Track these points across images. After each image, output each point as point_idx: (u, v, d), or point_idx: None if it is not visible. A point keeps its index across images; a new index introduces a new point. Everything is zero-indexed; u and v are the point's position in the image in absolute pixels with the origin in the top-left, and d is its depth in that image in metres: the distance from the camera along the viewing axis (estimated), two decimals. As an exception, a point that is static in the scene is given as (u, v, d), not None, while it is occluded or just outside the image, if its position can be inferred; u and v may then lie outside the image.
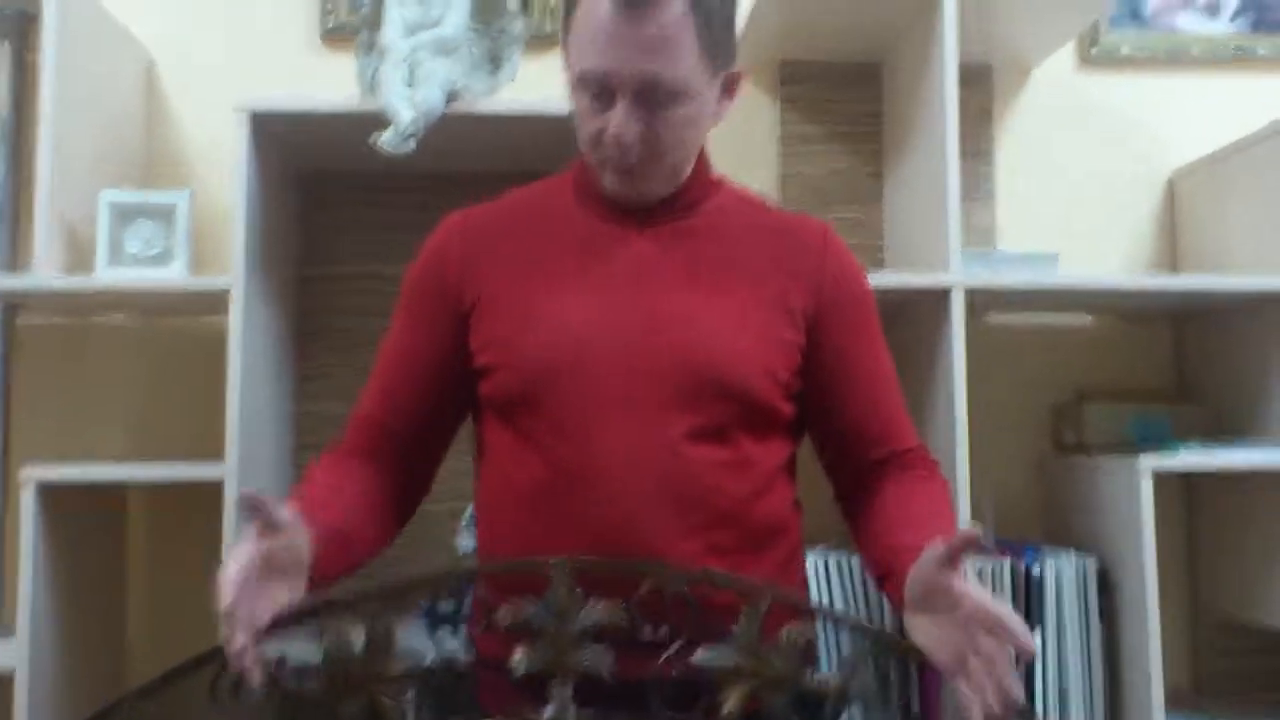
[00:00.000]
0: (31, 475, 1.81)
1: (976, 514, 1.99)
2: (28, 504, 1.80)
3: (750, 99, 2.32)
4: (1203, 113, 2.38)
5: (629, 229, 1.45)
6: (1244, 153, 2.12)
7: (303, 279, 2.23)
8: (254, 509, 1.20)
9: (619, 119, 1.36)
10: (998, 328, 2.28)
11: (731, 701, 1.24)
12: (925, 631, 1.24)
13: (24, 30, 2.10)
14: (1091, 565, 1.97)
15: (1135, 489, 1.90)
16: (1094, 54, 2.36)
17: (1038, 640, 1.94)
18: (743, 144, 2.29)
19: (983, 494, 2.04)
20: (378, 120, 1.85)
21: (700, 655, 1.25)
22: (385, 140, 1.80)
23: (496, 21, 1.99)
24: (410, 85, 1.85)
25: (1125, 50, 2.36)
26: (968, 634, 1.19)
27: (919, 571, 1.23)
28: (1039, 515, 2.28)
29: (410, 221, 2.22)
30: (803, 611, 1.30)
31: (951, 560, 1.20)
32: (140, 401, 2.21)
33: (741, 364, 1.38)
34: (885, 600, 1.51)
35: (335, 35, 2.27)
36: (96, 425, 2.20)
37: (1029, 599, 1.95)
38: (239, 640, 1.19)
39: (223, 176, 2.19)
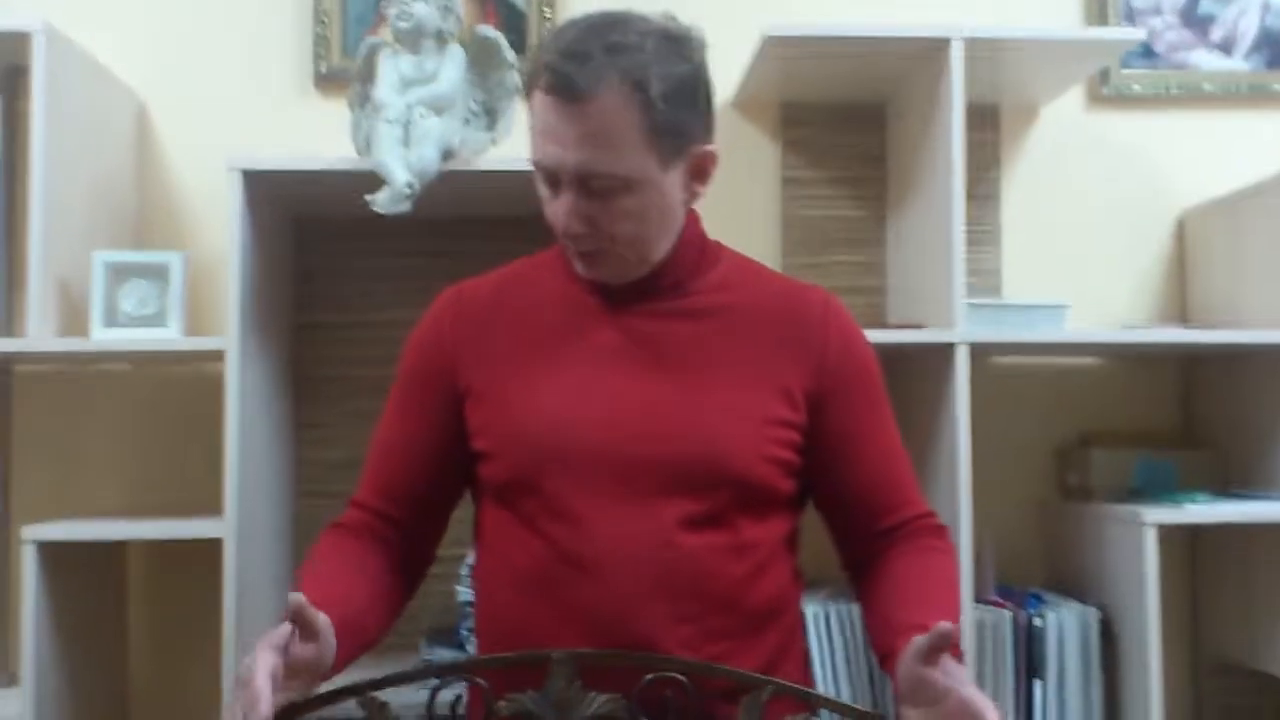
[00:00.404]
0: (32, 535, 1.82)
1: (978, 560, 1.98)
2: (29, 562, 1.81)
3: (751, 141, 2.30)
4: (1215, 151, 2.36)
5: (623, 306, 1.43)
6: (1257, 197, 2.09)
7: (297, 327, 2.22)
8: (300, 620, 1.21)
9: (563, 209, 1.35)
10: (1003, 368, 2.26)
11: (732, 795, 1.23)
12: None
13: (14, 83, 2.08)
14: (1093, 616, 1.97)
15: (1140, 542, 1.90)
16: (1105, 93, 2.34)
17: (1039, 691, 1.93)
18: (744, 187, 2.28)
19: (984, 539, 2.03)
20: (372, 176, 1.84)
21: (701, 748, 1.24)
22: (380, 202, 1.79)
23: (492, 74, 1.98)
24: (405, 145, 1.83)
25: (1137, 88, 2.34)
26: None
27: (903, 666, 1.22)
28: (1042, 560, 2.27)
29: (405, 268, 2.22)
30: (802, 699, 1.28)
31: (930, 656, 1.19)
32: (138, 448, 2.20)
33: (737, 449, 1.36)
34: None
35: (328, 81, 2.26)
36: (95, 473, 2.19)
37: (1030, 650, 1.94)
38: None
39: (216, 225, 2.18)
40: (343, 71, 2.22)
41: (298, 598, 1.21)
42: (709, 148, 1.40)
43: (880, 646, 1.36)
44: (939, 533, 1.48)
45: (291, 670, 1.21)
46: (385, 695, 1.26)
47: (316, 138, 2.20)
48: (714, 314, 1.44)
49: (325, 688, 1.27)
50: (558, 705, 1.24)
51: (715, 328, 1.43)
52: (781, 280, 1.53)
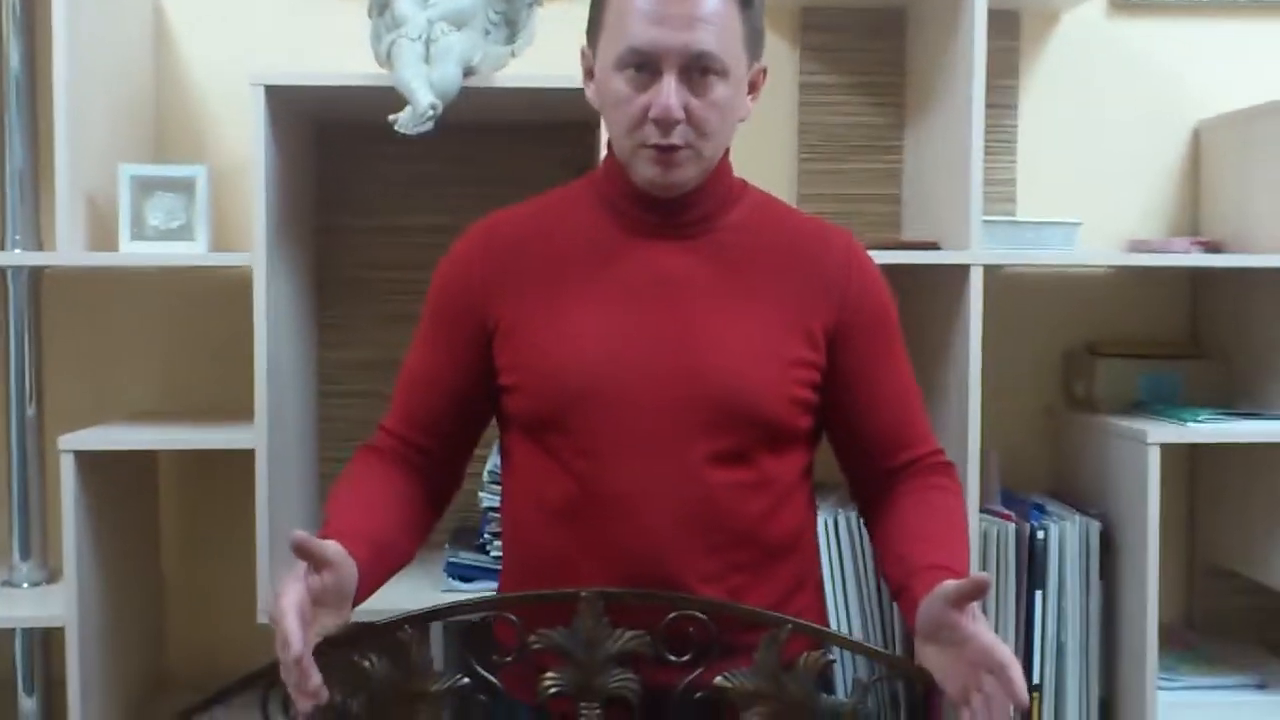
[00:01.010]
0: (68, 444, 1.87)
1: (985, 470, 2.04)
2: (67, 471, 1.87)
3: (769, 46, 2.22)
4: (1234, 61, 2.35)
5: (652, 241, 1.46)
6: (1272, 115, 2.09)
7: (318, 230, 2.24)
8: (306, 554, 1.25)
9: (666, 92, 1.37)
10: (1013, 277, 2.28)
11: (750, 724, 1.31)
12: (933, 661, 1.29)
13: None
14: (1094, 529, 2.04)
15: (1142, 460, 1.95)
16: (1125, -1, 2.32)
17: (1039, 600, 2.02)
18: (761, 92, 2.26)
19: (991, 448, 2.08)
20: (395, 91, 1.84)
21: (722, 679, 1.31)
22: (403, 121, 1.80)
23: (513, -18, 1.96)
24: (427, 61, 1.83)
25: (1156, -6, 2.32)
26: (972, 672, 1.24)
27: (929, 607, 1.28)
28: (1047, 466, 2.33)
29: (424, 174, 2.23)
30: (819, 638, 1.35)
31: (960, 601, 1.25)
32: (166, 350, 2.25)
33: (763, 391, 1.41)
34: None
35: (344, -17, 2.24)
36: (124, 376, 2.24)
37: (1032, 561, 2.02)
38: (299, 675, 1.22)
39: (235, 131, 2.20)
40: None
41: (295, 535, 1.25)
42: (763, 64, 1.48)
43: (895, 582, 1.42)
44: (947, 470, 1.54)
45: (317, 600, 1.27)
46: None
47: (333, 42, 2.19)
48: (739, 251, 1.47)
49: (365, 616, 1.33)
50: (587, 641, 1.32)
51: (741, 265, 1.46)
52: (804, 220, 1.55)
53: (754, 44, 1.44)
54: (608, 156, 1.51)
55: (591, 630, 1.32)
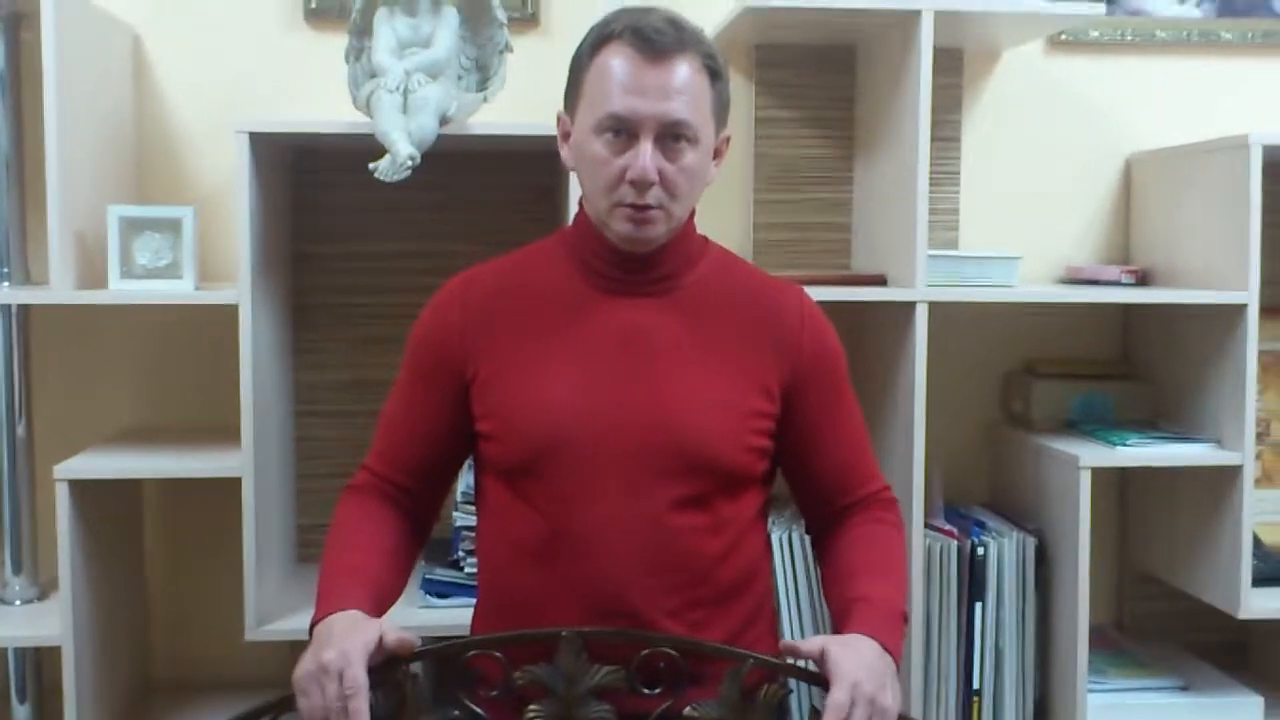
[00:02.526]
0: (63, 474, 1.98)
1: (929, 488, 2.18)
2: (61, 498, 1.97)
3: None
4: (1165, 96, 2.49)
5: (620, 298, 1.57)
6: (1200, 156, 2.23)
7: (295, 257, 2.33)
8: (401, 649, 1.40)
9: (644, 155, 1.48)
10: (958, 301, 2.41)
11: (716, 749, 1.43)
12: None
13: (13, 31, 2.13)
14: (1030, 544, 2.18)
15: (1074, 482, 2.10)
16: (1063, 38, 2.45)
17: (978, 611, 2.16)
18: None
19: (935, 468, 2.22)
20: (373, 137, 1.93)
21: (690, 710, 1.44)
22: (382, 170, 1.89)
23: (484, 31, 2.06)
24: (404, 111, 1.92)
25: (1094, 34, 2.45)
26: None
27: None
28: (986, 479, 2.48)
29: (398, 200, 2.29)
30: (779, 671, 1.48)
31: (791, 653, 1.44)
32: (152, 372, 2.33)
33: (722, 442, 1.53)
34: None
35: (319, 15, 2.31)
36: (111, 397, 2.32)
37: (973, 576, 2.16)
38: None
39: (216, 165, 2.28)
40: (333, 8, 2.29)
41: (407, 638, 1.40)
42: (728, 133, 1.60)
43: (834, 613, 1.58)
44: (890, 505, 1.68)
45: None
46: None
47: (308, 74, 2.29)
48: (701, 308, 1.59)
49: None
50: (567, 677, 1.44)
51: (702, 321, 1.58)
52: (761, 277, 1.67)
53: (721, 114, 1.56)
54: (579, 215, 1.62)
55: (571, 666, 1.44)
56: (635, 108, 1.48)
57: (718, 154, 1.60)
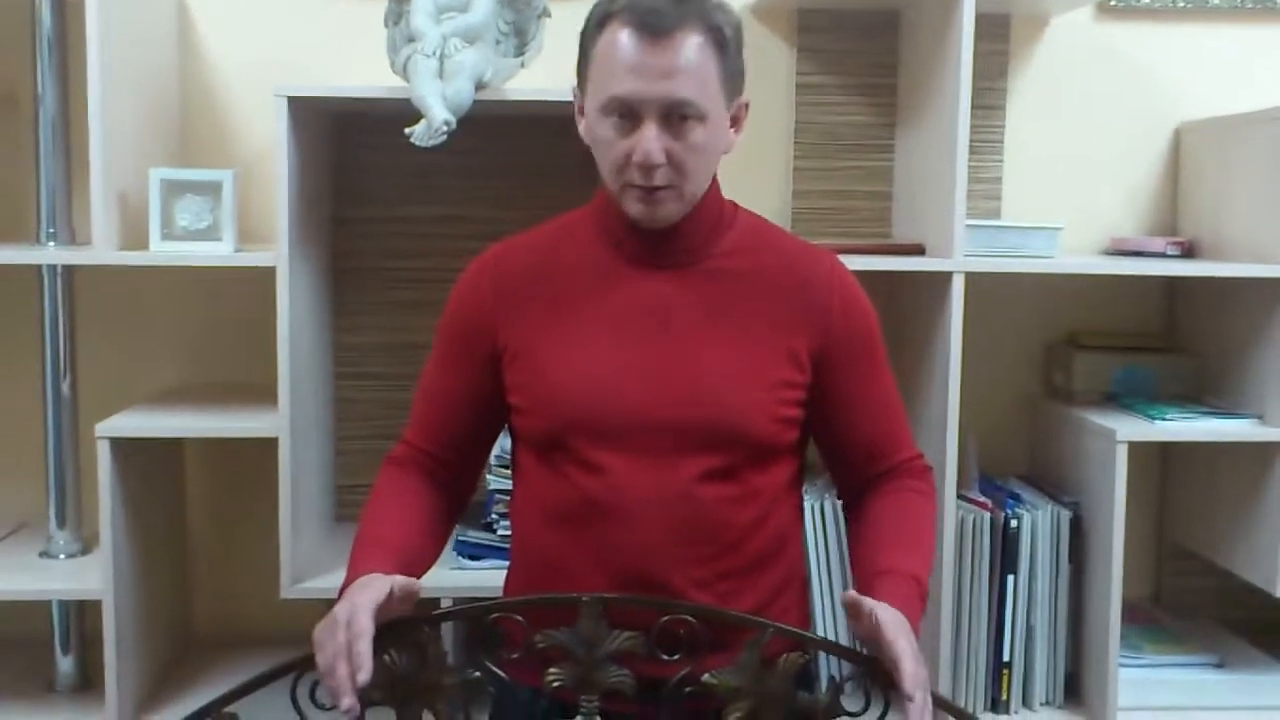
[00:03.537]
0: (104, 431, 2.02)
1: (963, 458, 2.16)
2: (103, 455, 2.01)
3: (767, 47, 2.38)
4: (1217, 64, 2.44)
5: (648, 270, 1.57)
6: (1251, 126, 2.19)
7: (335, 220, 2.35)
8: (407, 594, 1.41)
9: (647, 139, 1.46)
10: (1000, 271, 2.38)
11: (734, 717, 1.44)
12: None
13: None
14: (1065, 517, 2.16)
15: (1111, 455, 2.08)
16: (1114, 4, 2.40)
17: (1010, 584, 2.15)
18: (758, 92, 2.31)
19: (969, 437, 2.21)
20: (410, 101, 1.94)
21: (709, 676, 1.45)
22: (418, 135, 1.90)
23: (522, -6, 2.06)
24: (440, 76, 1.92)
25: (1146, 0, 2.40)
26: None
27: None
28: (1025, 451, 2.46)
29: (436, 165, 2.29)
30: (799, 641, 1.49)
31: (855, 612, 1.41)
32: (193, 334, 2.38)
33: (751, 413, 1.53)
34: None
35: (361, -18, 2.32)
36: (154, 358, 2.37)
37: (1005, 548, 2.15)
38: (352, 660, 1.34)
39: (258, 129, 2.31)
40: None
41: (408, 582, 1.41)
42: (745, 99, 1.57)
43: (860, 582, 1.56)
44: (923, 474, 1.67)
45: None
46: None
47: (351, 38, 2.29)
48: (729, 277, 1.58)
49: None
50: (587, 641, 1.45)
51: (731, 291, 1.57)
52: (791, 242, 1.66)
53: (732, 84, 1.52)
54: (603, 188, 1.61)
55: (591, 631, 1.45)
56: (636, 90, 1.45)
57: (735, 121, 1.57)
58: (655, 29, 1.44)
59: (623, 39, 1.45)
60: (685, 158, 1.49)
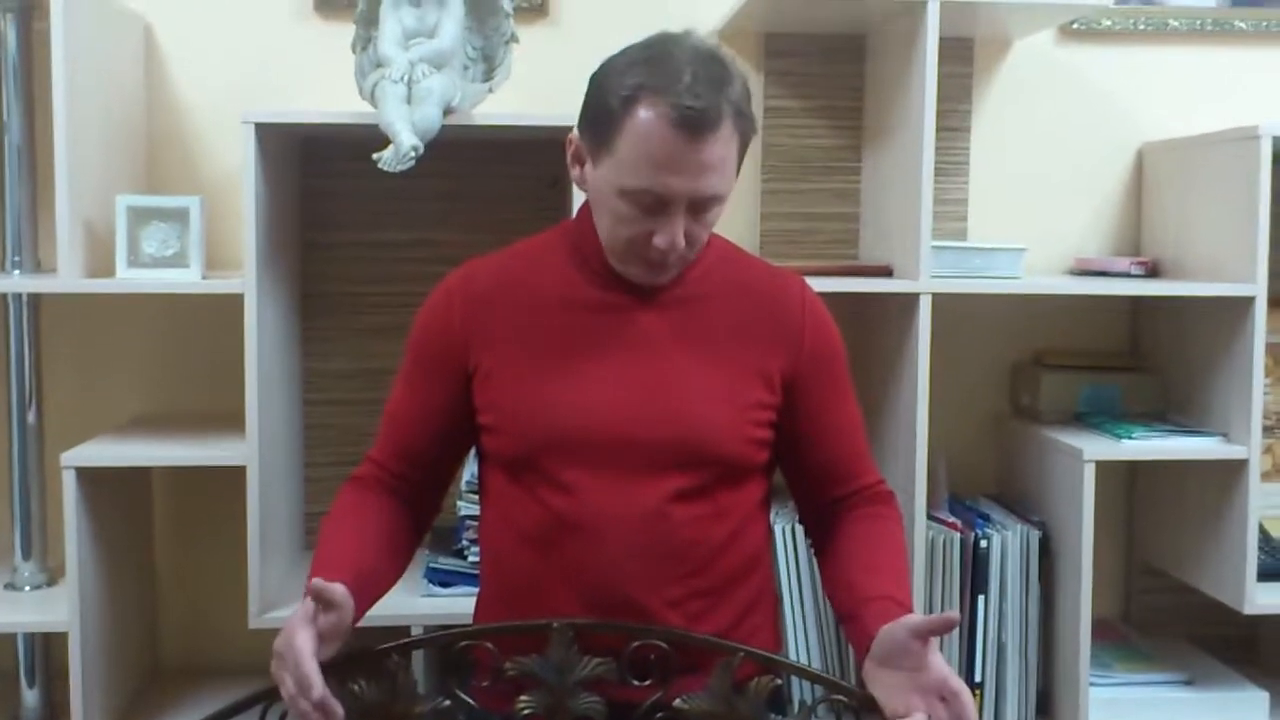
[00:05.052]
0: (70, 461, 1.99)
1: (932, 478, 2.17)
2: (69, 485, 1.99)
3: (735, 71, 2.38)
4: (1178, 85, 2.47)
5: (621, 294, 1.57)
6: (1213, 146, 2.21)
7: (304, 245, 2.34)
8: (319, 598, 1.38)
9: (673, 230, 1.47)
10: (966, 292, 2.40)
11: (705, 741, 1.44)
12: (881, 681, 1.42)
13: (27, 15, 2.14)
14: (1034, 536, 2.17)
15: (1079, 474, 2.09)
16: (1075, 27, 2.43)
17: (981, 604, 2.16)
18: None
19: (938, 457, 2.22)
20: (378, 127, 1.94)
21: (680, 701, 1.45)
22: (386, 160, 1.90)
23: (489, 20, 2.07)
24: (408, 102, 1.93)
25: (1107, 23, 2.43)
26: (922, 696, 1.38)
27: (891, 633, 1.40)
28: (993, 471, 2.47)
29: (405, 189, 2.28)
30: (769, 664, 1.49)
31: (926, 634, 1.38)
32: (159, 360, 2.35)
33: (725, 434, 1.54)
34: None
35: (328, 6, 2.31)
36: (120, 383, 2.35)
37: (975, 568, 2.15)
38: (324, 715, 1.36)
39: (224, 154, 2.29)
40: (341, -1, 2.30)
41: (316, 583, 1.39)
42: None
43: (843, 608, 1.56)
44: (889, 500, 1.68)
45: (320, 637, 1.39)
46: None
47: (318, 64, 2.29)
48: (701, 301, 1.59)
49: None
50: (558, 668, 1.45)
51: (702, 314, 1.58)
52: (761, 268, 1.67)
53: (744, 149, 1.52)
54: (583, 211, 1.60)
55: (562, 658, 1.45)
56: (671, 186, 1.44)
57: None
58: (697, 127, 1.42)
59: (661, 132, 1.42)
60: (699, 234, 1.51)
